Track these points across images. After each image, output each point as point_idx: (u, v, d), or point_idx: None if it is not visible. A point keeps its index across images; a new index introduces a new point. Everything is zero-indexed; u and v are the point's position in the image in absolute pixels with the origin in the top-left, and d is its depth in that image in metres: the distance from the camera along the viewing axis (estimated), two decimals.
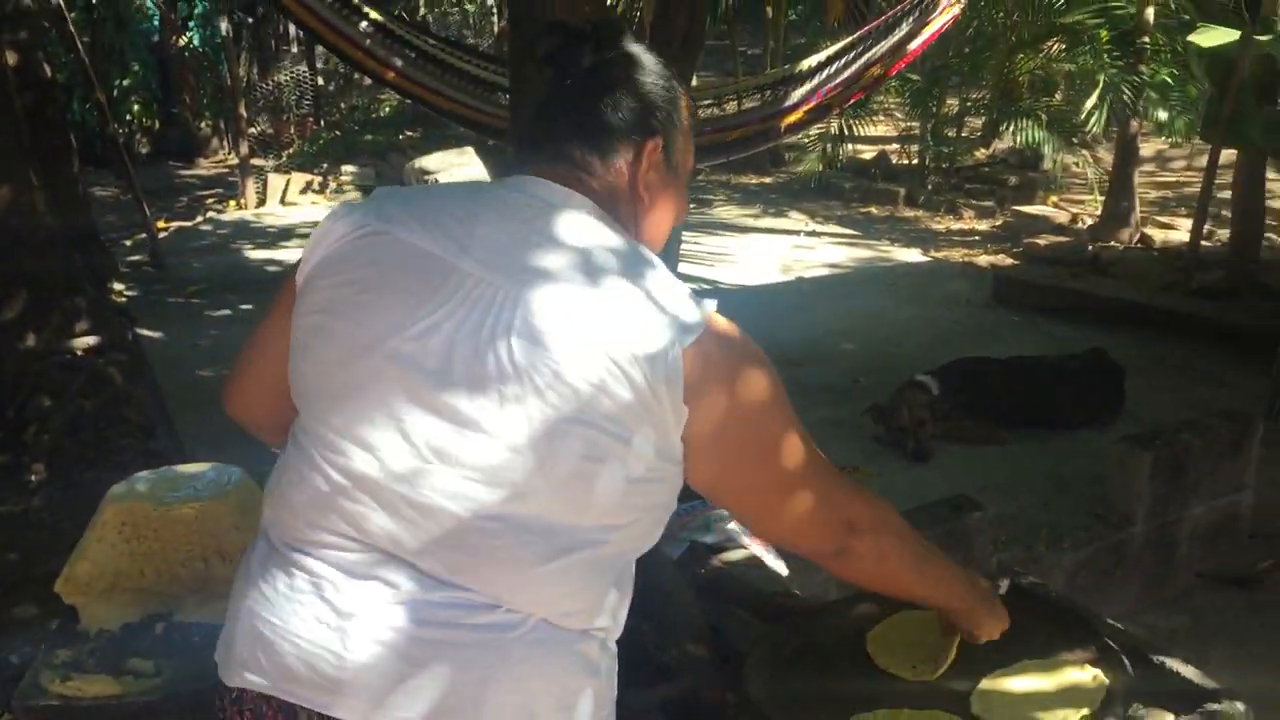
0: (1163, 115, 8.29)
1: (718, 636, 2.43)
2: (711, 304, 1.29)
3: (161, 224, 8.65)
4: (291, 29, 13.36)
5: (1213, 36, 5.67)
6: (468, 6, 13.85)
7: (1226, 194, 7.01)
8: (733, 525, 2.86)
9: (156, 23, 12.50)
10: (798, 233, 8.47)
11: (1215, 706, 1.88)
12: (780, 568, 2.86)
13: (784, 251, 7.78)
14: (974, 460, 4.15)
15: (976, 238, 8.32)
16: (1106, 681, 1.85)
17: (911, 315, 5.99)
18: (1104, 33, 7.95)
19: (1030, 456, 4.19)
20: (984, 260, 7.47)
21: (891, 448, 4.22)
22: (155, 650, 2.36)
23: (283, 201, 9.92)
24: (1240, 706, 1.87)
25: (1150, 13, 7.41)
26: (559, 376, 1.24)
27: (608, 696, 1.41)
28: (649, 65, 1.45)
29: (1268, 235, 6.79)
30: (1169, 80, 8.09)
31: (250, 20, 13.16)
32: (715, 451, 1.29)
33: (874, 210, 9.29)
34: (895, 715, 1.87)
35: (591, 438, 1.25)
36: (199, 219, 9.30)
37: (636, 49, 1.45)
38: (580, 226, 1.33)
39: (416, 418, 1.28)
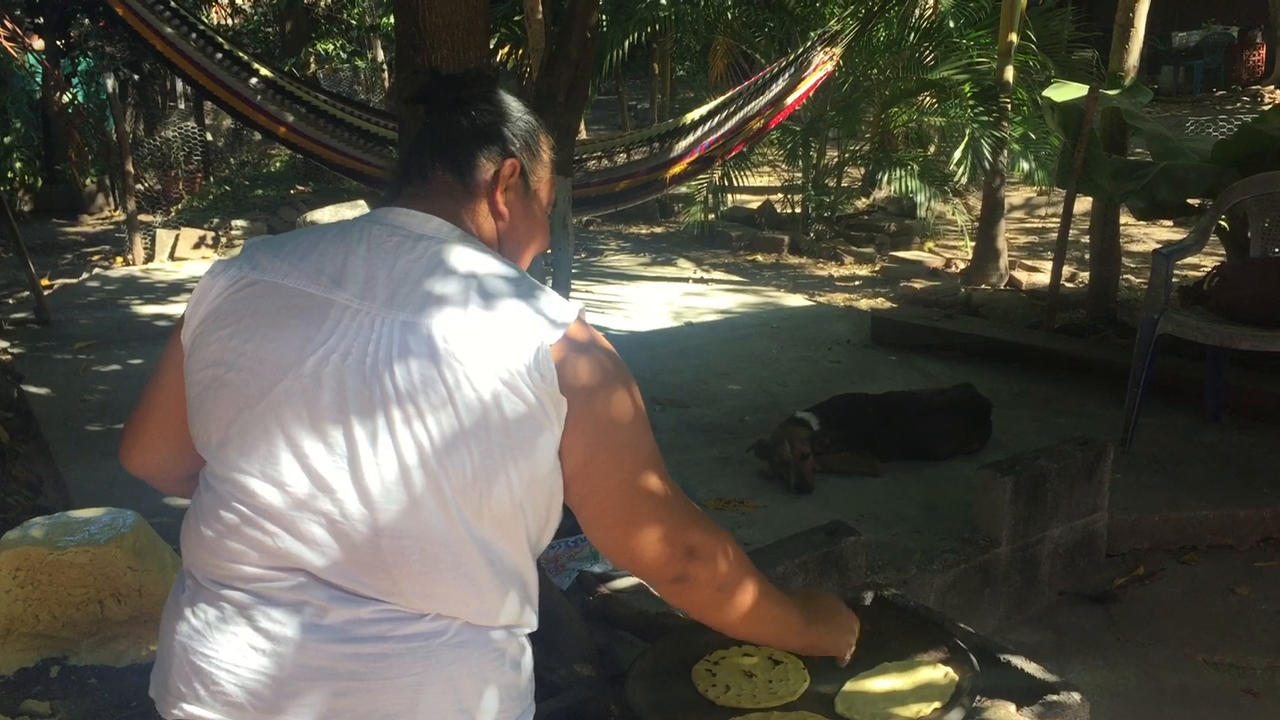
0: (1025, 166, 8.74)
1: (606, 657, 2.56)
2: (578, 305, 1.42)
3: (46, 281, 8.51)
4: (179, 84, 13.28)
5: (1065, 91, 6.07)
6: (358, 63, 13.93)
7: (1087, 239, 7.43)
8: (598, 567, 3.00)
9: (39, 79, 12.32)
10: (686, 280, 8.70)
11: (1054, 697, 2.06)
12: None
13: (674, 298, 7.99)
14: (852, 491, 4.36)
15: (857, 282, 8.65)
16: (956, 678, 2.02)
17: (795, 356, 6.22)
18: (968, 88, 8.39)
19: (904, 486, 4.41)
20: (864, 304, 7.77)
21: (775, 482, 4.39)
22: (51, 693, 2.40)
23: (172, 257, 9.84)
24: (1076, 696, 2.06)
25: (1010, 70, 7.85)
26: (449, 397, 1.34)
27: (528, 688, 1.53)
28: (512, 103, 1.58)
29: (1125, 276, 7.20)
30: (1030, 134, 8.55)
31: (136, 77, 13.05)
32: (580, 442, 1.41)
33: (760, 258, 9.58)
34: (766, 718, 2.02)
35: (486, 450, 1.35)
36: (85, 276, 9.17)
37: (503, 93, 1.58)
38: (444, 249, 1.44)
39: (316, 448, 1.37)
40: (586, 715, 2.11)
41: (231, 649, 1.41)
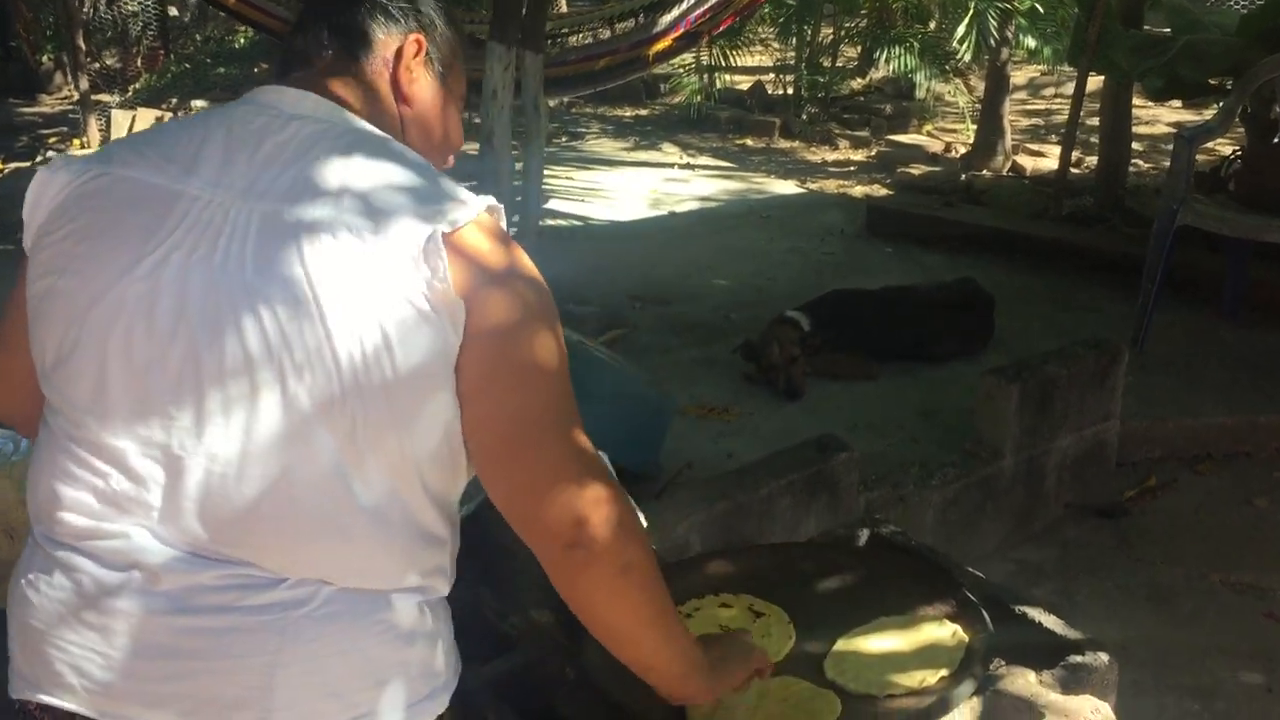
0: (1031, 42, 8.28)
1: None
2: (488, 200, 1.18)
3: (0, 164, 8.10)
4: None
5: None
6: None
7: (1094, 121, 7.03)
8: None
9: None
10: (671, 166, 8.29)
11: (1078, 659, 1.78)
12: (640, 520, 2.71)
13: (657, 185, 7.59)
14: (845, 396, 4.06)
15: (852, 168, 8.25)
16: (966, 639, 1.73)
17: (785, 249, 5.87)
18: None
19: (901, 391, 4.11)
20: (858, 191, 7.39)
21: (762, 386, 4.09)
22: None
23: None
24: (1104, 657, 1.78)
25: None
26: (315, 303, 1.11)
27: (436, 665, 1.26)
28: None
29: (1134, 161, 6.82)
30: (1038, 7, 8.07)
31: None
32: (478, 354, 1.16)
33: (749, 142, 9.15)
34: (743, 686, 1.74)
35: (360, 366, 1.12)
36: (38, 158, 8.74)
37: None
38: (320, 129, 1.20)
39: (151, 367, 1.13)
40: (537, 679, 1.83)
41: (61, 622, 1.18)
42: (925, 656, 1.71)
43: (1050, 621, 1.86)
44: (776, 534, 2.95)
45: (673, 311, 4.87)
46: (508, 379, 1.17)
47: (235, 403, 1.12)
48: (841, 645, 1.80)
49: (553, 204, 6.49)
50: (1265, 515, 3.63)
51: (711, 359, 4.36)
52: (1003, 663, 1.70)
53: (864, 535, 2.12)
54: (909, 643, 1.76)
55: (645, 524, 2.66)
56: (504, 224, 1.23)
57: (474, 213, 1.16)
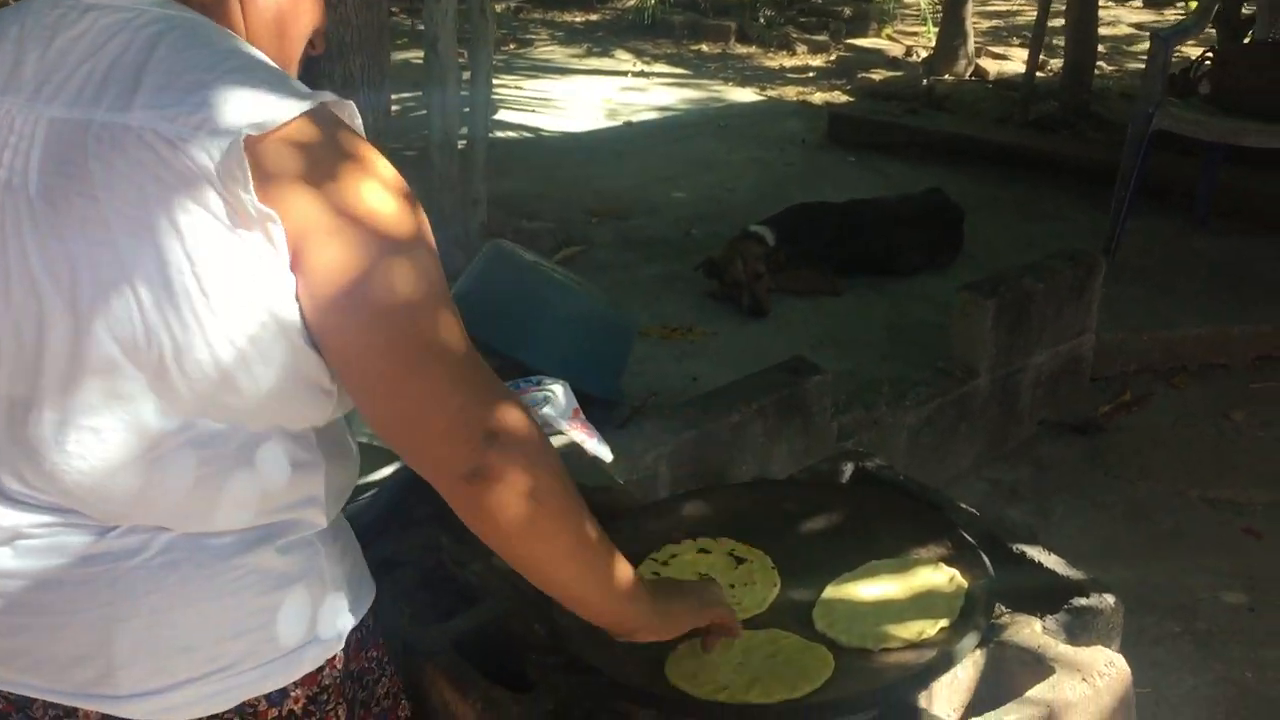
0: None
1: None
2: (326, 95, 1.04)
3: None
4: None
5: None
6: None
7: (1056, 22, 6.84)
8: (548, 410, 2.54)
9: None
10: (625, 74, 8.01)
11: (1083, 602, 1.66)
12: (604, 453, 2.55)
13: (611, 94, 7.32)
14: (811, 313, 3.92)
15: (811, 74, 8.01)
16: (965, 585, 1.61)
17: (745, 159, 5.67)
18: None
19: (867, 306, 3.97)
20: (818, 98, 7.17)
21: (726, 304, 3.94)
22: None
23: None
24: (1110, 599, 1.66)
25: None
26: (107, 219, 0.97)
27: (319, 608, 1.13)
28: None
29: (1099, 64, 6.66)
30: None
31: None
32: (314, 284, 1.01)
33: (705, 48, 8.86)
34: (728, 643, 1.61)
35: (163, 289, 0.99)
36: None
37: None
38: (121, 19, 1.04)
39: None
40: (504, 637, 1.69)
41: None
42: (922, 605, 1.58)
43: (1052, 561, 1.73)
44: (747, 462, 2.82)
45: (631, 227, 4.69)
46: (357, 311, 1.02)
47: (28, 331, 1.00)
48: (830, 592, 1.67)
49: (502, 115, 6.23)
50: (1241, 429, 3.55)
51: (673, 276, 4.19)
52: (1005, 610, 1.58)
53: (848, 470, 1.99)
54: (904, 589, 1.63)
55: (609, 456, 2.51)
56: (356, 124, 1.07)
57: (291, 112, 0.99)
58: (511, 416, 1.08)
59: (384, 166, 1.06)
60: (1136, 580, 2.99)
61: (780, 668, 1.52)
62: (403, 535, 2.22)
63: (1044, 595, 1.69)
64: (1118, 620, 1.66)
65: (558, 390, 2.63)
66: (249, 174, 0.96)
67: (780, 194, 4.95)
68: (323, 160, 1.01)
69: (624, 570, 1.28)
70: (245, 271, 0.99)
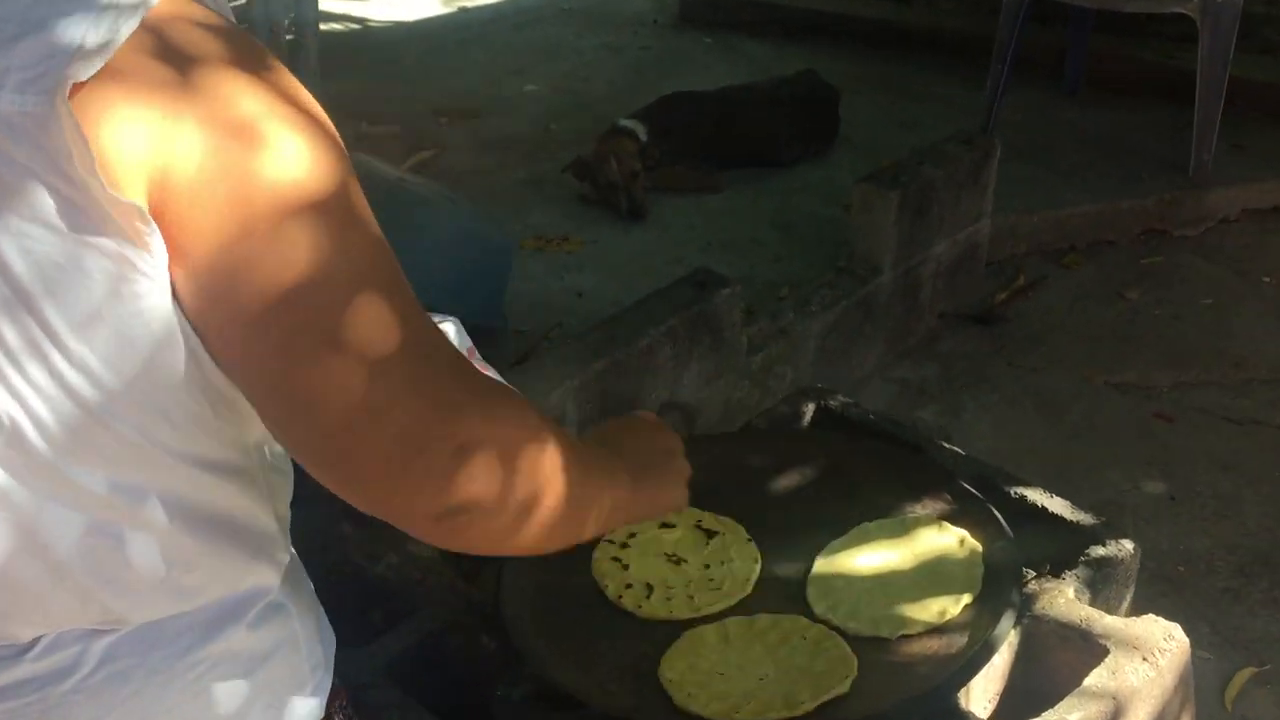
0: None
1: None
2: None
3: None
4: None
5: None
6: None
7: None
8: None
9: None
10: None
11: (1100, 552, 1.48)
12: None
13: None
14: (693, 212, 3.66)
15: None
16: (978, 547, 1.40)
17: (596, 45, 5.30)
18: None
19: (751, 202, 3.73)
20: None
21: (601, 208, 3.64)
22: None
23: None
24: (1128, 545, 1.48)
25: None
26: None
27: (299, 671, 0.91)
28: None
29: None
30: None
31: None
32: (189, 256, 0.72)
33: None
34: (721, 632, 1.39)
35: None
36: None
37: None
38: None
39: None
40: (445, 656, 1.42)
41: None
42: (935, 576, 1.38)
43: (1056, 505, 1.56)
44: (658, 388, 2.57)
45: (485, 127, 4.30)
46: (243, 300, 0.73)
47: None
48: (822, 566, 1.45)
49: (325, 3, 5.67)
50: (1138, 308, 3.48)
51: (539, 180, 3.86)
52: (1035, 576, 1.39)
53: (809, 411, 1.76)
54: (908, 558, 1.42)
55: None
56: (224, 16, 0.78)
57: (115, 29, 0.69)
58: (493, 416, 0.82)
59: (288, 81, 0.77)
60: (1055, 476, 2.87)
61: (796, 670, 1.29)
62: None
63: (1054, 543, 1.51)
64: (1134, 567, 1.49)
65: (448, 330, 2.31)
66: (84, 141, 0.66)
67: (640, 82, 4.63)
68: (186, 83, 0.71)
69: (620, 478, 1.04)
70: (97, 273, 0.70)
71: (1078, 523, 1.52)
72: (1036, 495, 1.57)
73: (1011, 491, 1.57)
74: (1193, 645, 1.32)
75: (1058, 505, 1.55)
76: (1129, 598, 1.50)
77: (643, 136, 3.70)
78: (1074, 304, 3.51)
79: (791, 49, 4.98)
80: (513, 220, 3.57)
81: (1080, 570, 1.43)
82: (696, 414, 2.70)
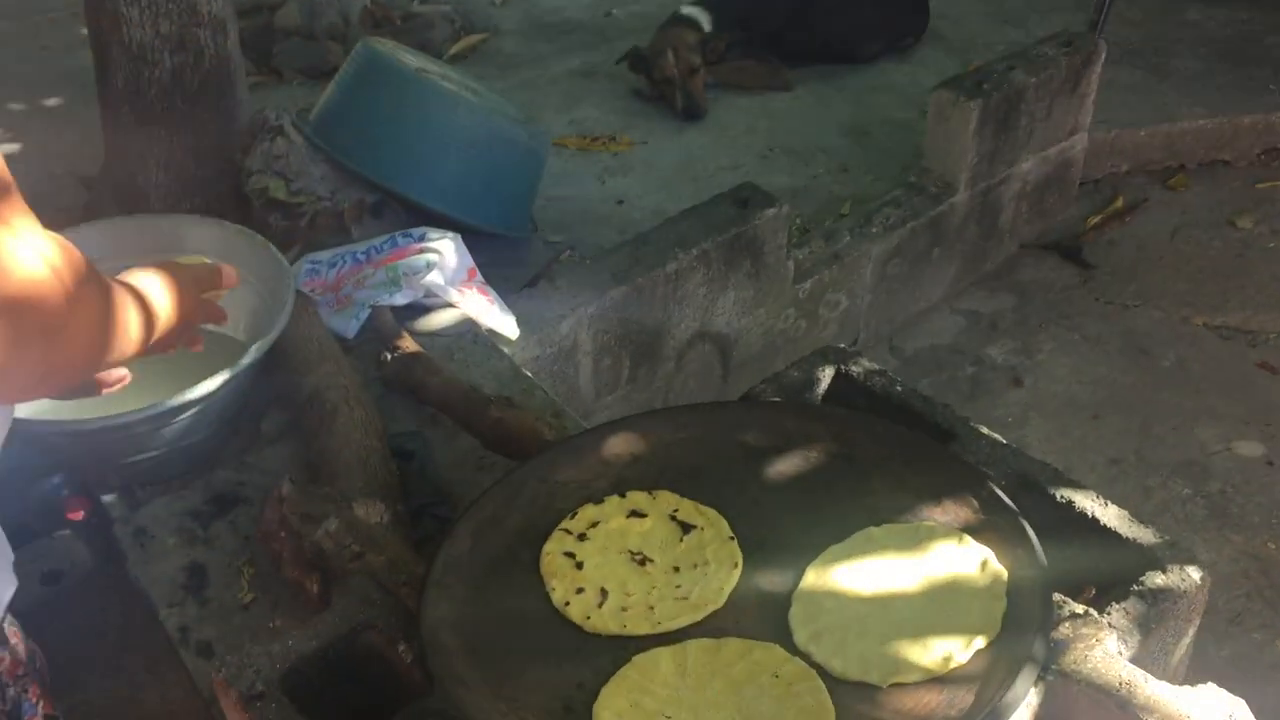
0: None
1: (409, 469, 1.63)
2: None
3: None
4: None
5: None
6: None
7: None
8: (434, 276, 2.00)
9: None
10: None
11: (1159, 580, 1.21)
12: (506, 325, 2.03)
13: None
14: (756, 112, 3.33)
15: None
16: (1003, 572, 1.14)
17: None
18: None
19: (823, 102, 3.39)
20: None
21: (656, 104, 3.33)
22: None
23: None
24: (1194, 575, 1.21)
25: None
26: None
27: None
28: None
29: None
30: None
31: None
32: None
33: None
34: (680, 656, 1.15)
35: None
36: None
37: None
38: None
39: None
40: (355, 662, 1.21)
41: None
42: (945, 608, 1.13)
43: (1110, 515, 1.28)
44: (687, 319, 2.32)
45: (543, 9, 3.99)
46: None
47: None
48: (812, 579, 1.21)
49: None
50: (1250, 240, 3.10)
51: (592, 70, 3.55)
52: (1061, 600, 1.12)
53: (826, 377, 1.49)
54: (915, 578, 1.17)
55: (514, 330, 1.99)
56: None
57: None
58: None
59: None
60: (1138, 430, 2.59)
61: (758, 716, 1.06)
62: (246, 462, 1.72)
63: (1103, 563, 1.24)
64: (1201, 600, 1.21)
65: (446, 249, 2.07)
66: None
67: None
68: None
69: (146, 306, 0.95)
70: None
71: (1135, 540, 1.24)
72: (1087, 501, 1.29)
73: (1058, 495, 1.30)
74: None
75: (1112, 516, 1.27)
76: (1190, 636, 1.23)
77: (706, 26, 3.36)
78: (1177, 233, 3.13)
79: None
80: (558, 114, 3.29)
81: (1130, 604, 1.16)
82: (731, 346, 2.44)
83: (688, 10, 3.40)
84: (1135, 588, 1.18)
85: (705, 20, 3.37)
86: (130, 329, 0.91)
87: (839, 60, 3.54)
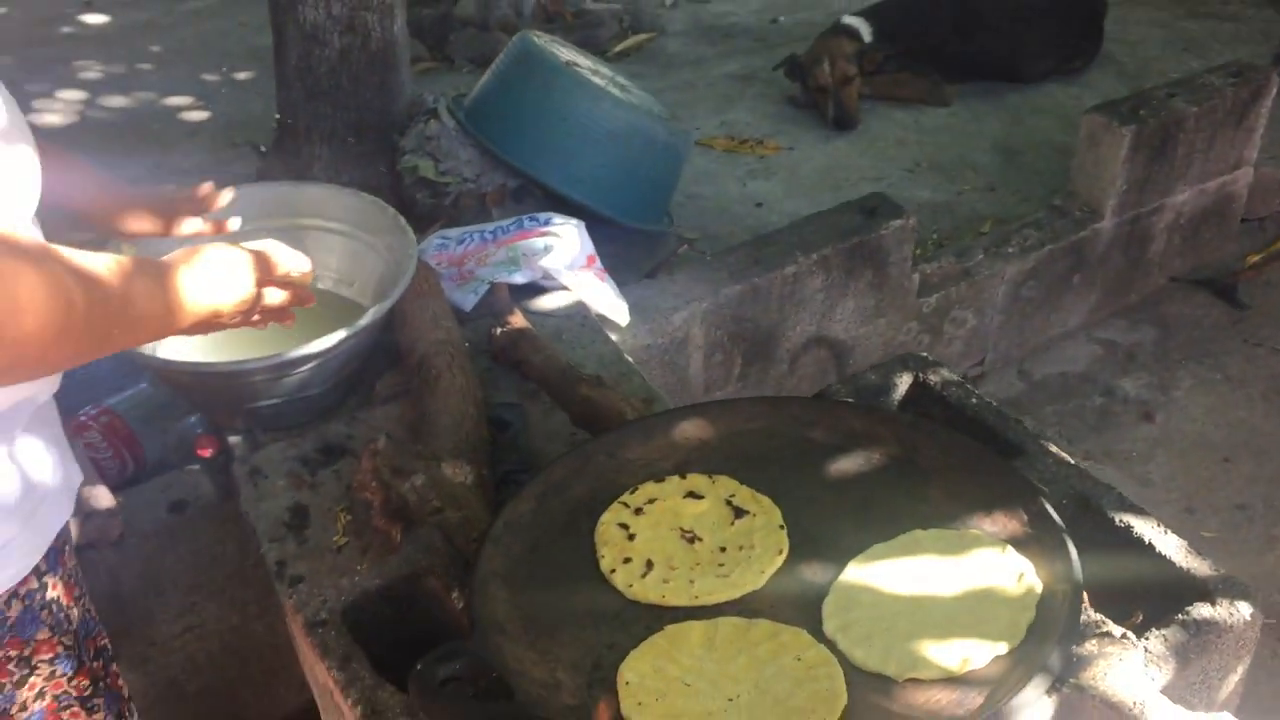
0: None
1: (502, 438, 1.72)
2: None
3: None
4: None
5: None
6: None
7: None
8: (552, 260, 2.08)
9: None
10: None
11: (1205, 613, 1.20)
12: (619, 313, 2.11)
13: None
14: (909, 126, 3.32)
15: None
16: (1038, 589, 1.15)
17: None
18: None
19: (979, 120, 3.35)
20: None
21: (809, 111, 3.37)
22: None
23: None
24: (1244, 611, 1.19)
25: None
26: None
27: None
28: None
29: None
30: None
31: None
32: None
33: None
34: (711, 632, 1.20)
35: None
36: None
37: None
38: None
39: None
40: (415, 603, 1.30)
41: None
42: (974, 613, 1.14)
43: (1169, 544, 1.26)
44: (804, 323, 2.35)
45: (711, 12, 4.06)
46: None
47: None
48: (852, 574, 1.23)
49: None
50: None
51: (750, 75, 3.60)
52: (1093, 615, 1.12)
53: (903, 384, 1.51)
54: (952, 582, 1.18)
55: (624, 316, 2.05)
56: None
57: None
58: None
59: None
60: (1269, 478, 2.49)
61: (772, 698, 1.10)
62: (357, 417, 1.84)
63: (1149, 589, 1.23)
64: (1251, 638, 1.19)
65: (568, 233, 2.16)
66: None
67: None
68: None
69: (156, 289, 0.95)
70: None
71: (1189, 570, 1.22)
72: (1147, 528, 1.27)
73: (1117, 519, 1.29)
74: None
75: (1171, 545, 1.25)
76: (1240, 673, 1.20)
77: (866, 37, 3.38)
78: None
79: None
80: (711, 115, 3.35)
81: (1172, 631, 1.15)
82: (848, 354, 2.45)
83: (849, 20, 3.42)
84: (1180, 617, 1.17)
85: (866, 31, 3.38)
86: (108, 304, 0.88)
87: (1002, 78, 3.50)
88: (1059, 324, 2.84)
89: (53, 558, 1.08)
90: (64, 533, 1.11)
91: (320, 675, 1.23)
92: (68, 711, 1.13)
